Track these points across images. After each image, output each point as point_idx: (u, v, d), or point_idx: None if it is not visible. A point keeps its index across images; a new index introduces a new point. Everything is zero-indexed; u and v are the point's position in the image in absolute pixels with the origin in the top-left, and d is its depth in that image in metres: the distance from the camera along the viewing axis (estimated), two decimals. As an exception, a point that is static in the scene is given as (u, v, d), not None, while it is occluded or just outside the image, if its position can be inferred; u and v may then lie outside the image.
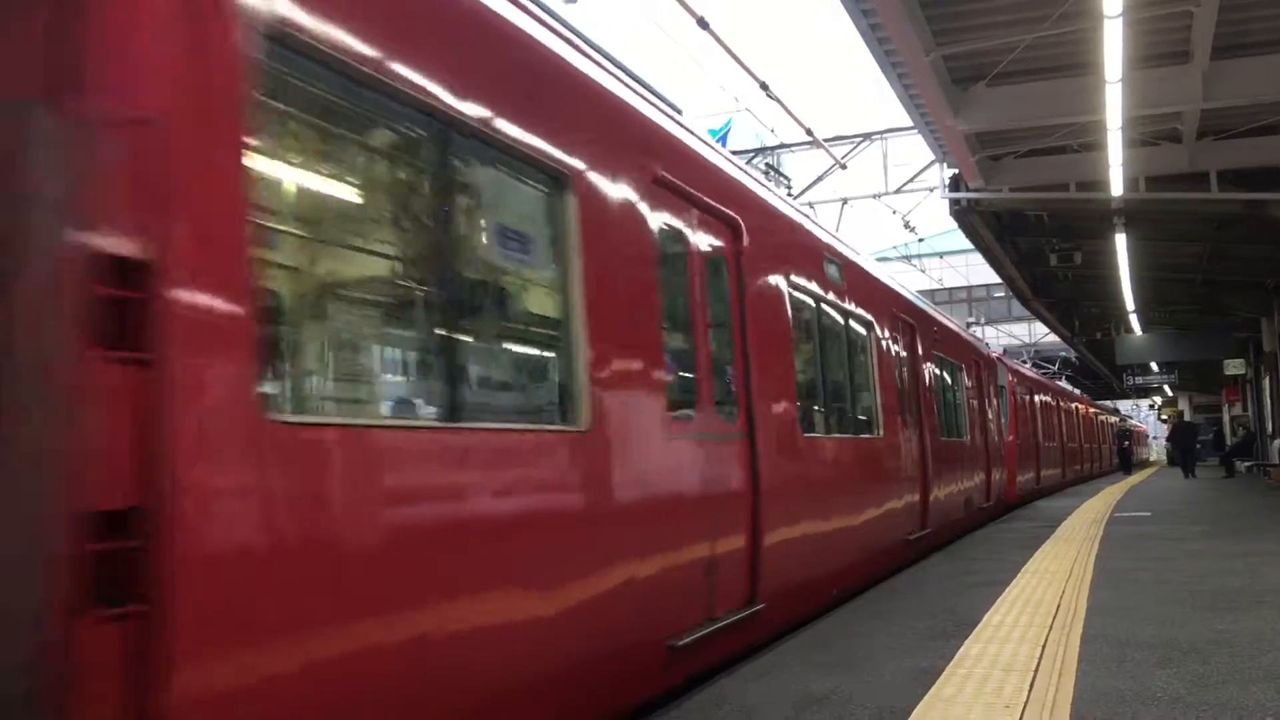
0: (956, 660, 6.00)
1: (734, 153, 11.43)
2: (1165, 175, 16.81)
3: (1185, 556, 10.82)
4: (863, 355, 10.54)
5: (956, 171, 17.73)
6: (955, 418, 15.39)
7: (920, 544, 12.08)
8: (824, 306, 9.23)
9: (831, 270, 9.49)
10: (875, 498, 10.26)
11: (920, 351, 13.03)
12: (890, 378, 11.16)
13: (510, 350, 4.92)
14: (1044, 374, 39.26)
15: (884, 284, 12.03)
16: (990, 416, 18.66)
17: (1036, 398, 27.19)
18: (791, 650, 6.55)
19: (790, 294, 8.08)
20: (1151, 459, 72.29)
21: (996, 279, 30.17)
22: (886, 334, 11.29)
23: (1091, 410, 44.56)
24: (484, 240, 4.63)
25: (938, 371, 14.35)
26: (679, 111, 6.95)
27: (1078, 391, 45.22)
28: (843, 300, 9.72)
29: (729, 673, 6.00)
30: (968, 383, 16.69)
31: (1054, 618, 7.28)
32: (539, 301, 5.06)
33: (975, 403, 17.22)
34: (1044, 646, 6.27)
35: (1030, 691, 5.18)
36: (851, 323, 10.12)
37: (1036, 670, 5.64)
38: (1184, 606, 7.61)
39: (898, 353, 11.84)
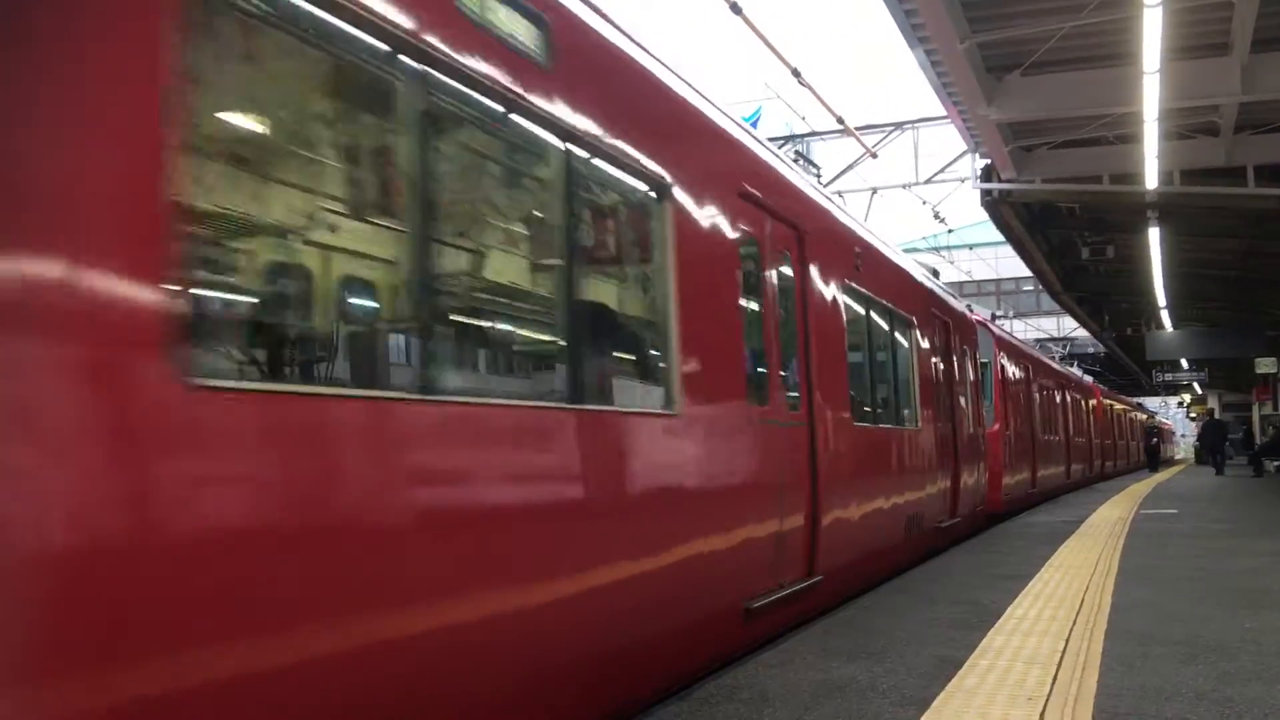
0: (979, 651, 5.96)
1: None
2: (1201, 169, 16.61)
3: (1212, 554, 10.70)
4: (631, 254, 5.83)
5: (988, 162, 17.59)
6: (893, 395, 10.65)
7: (797, 605, 7.18)
8: (469, 122, 4.34)
9: (521, 42, 4.45)
10: (648, 534, 5.23)
11: (815, 279, 8.13)
12: (722, 311, 6.30)
13: None
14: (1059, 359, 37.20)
15: (717, 129, 6.71)
16: (963, 398, 13.95)
17: (1036, 380, 22.32)
18: (810, 638, 6.52)
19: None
20: (1179, 456, 71.59)
21: (1026, 272, 29.93)
22: (719, 230, 6.32)
23: (1108, 401, 38.57)
24: None
25: (858, 319, 9.55)
26: None
27: (1089, 379, 38.57)
28: (554, 107, 4.61)
29: (746, 660, 5.98)
30: (923, 346, 11.84)
31: (1078, 612, 7.22)
32: None
33: (935, 377, 12.35)
34: (1067, 640, 6.22)
35: (1053, 684, 5.13)
36: (602, 174, 5.18)
37: (1060, 664, 5.59)
38: (1210, 604, 7.52)
39: (752, 270, 6.98)
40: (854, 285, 9.26)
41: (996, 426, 16.98)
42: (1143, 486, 27.69)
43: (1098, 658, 5.75)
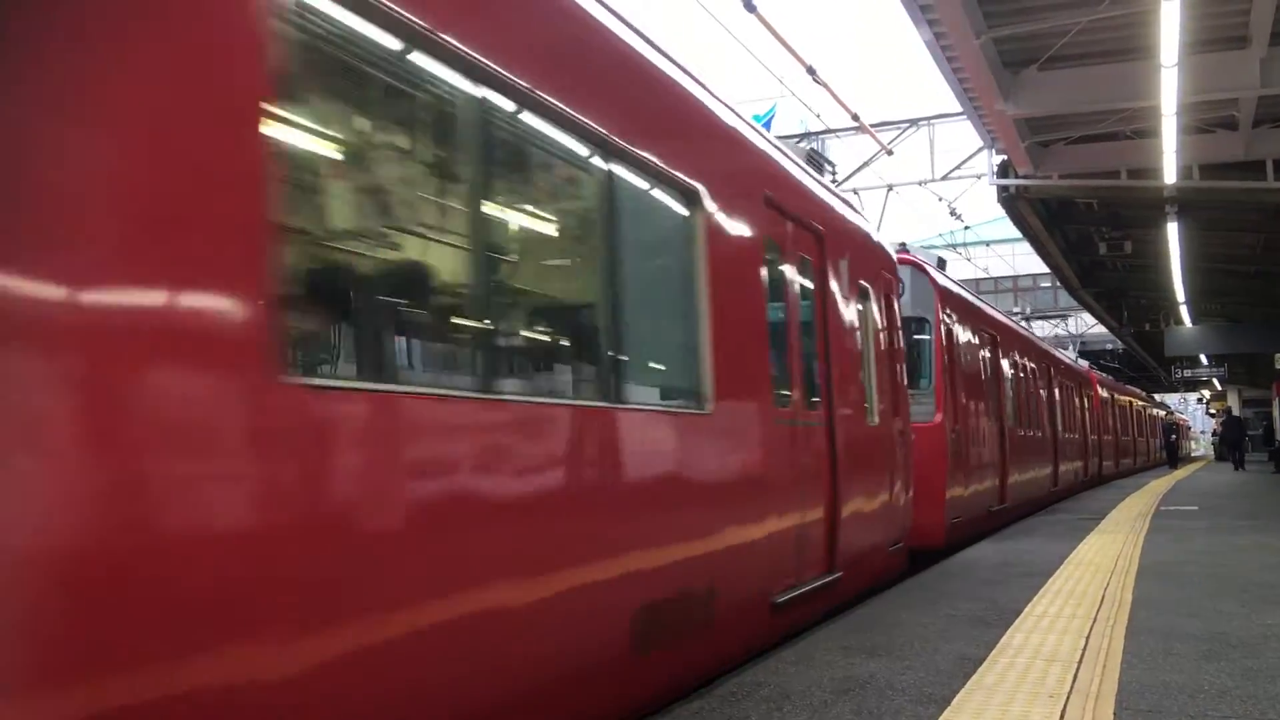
0: (998, 649, 5.94)
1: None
2: (1220, 163, 16.50)
3: (1233, 550, 10.64)
4: None
5: (1005, 158, 17.49)
6: (608, 334, 4.97)
7: None
8: None
9: None
10: None
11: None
12: None
13: None
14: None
15: None
16: (861, 369, 8.59)
17: (1009, 358, 16.83)
18: (830, 636, 6.51)
19: None
20: (1197, 453, 70.92)
21: (1043, 269, 29.78)
22: None
23: (1107, 392, 32.55)
24: None
25: (421, 117, 4.16)
26: None
27: (1085, 364, 32.92)
28: None
29: (766, 657, 5.97)
30: (739, 257, 6.33)
31: (1098, 609, 7.18)
32: None
33: (781, 324, 7.01)
34: (1088, 638, 6.19)
35: (1074, 682, 5.11)
36: None
37: (1080, 661, 5.57)
38: (1232, 600, 7.48)
39: None
40: (418, 27, 3.67)
41: (939, 418, 11.87)
42: (1162, 484, 27.53)
43: (1119, 655, 5.72)
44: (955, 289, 14.06)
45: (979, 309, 15.43)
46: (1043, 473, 19.28)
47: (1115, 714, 4.55)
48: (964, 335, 13.64)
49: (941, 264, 14.09)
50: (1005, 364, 16.46)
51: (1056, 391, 21.84)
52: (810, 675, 5.40)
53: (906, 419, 9.95)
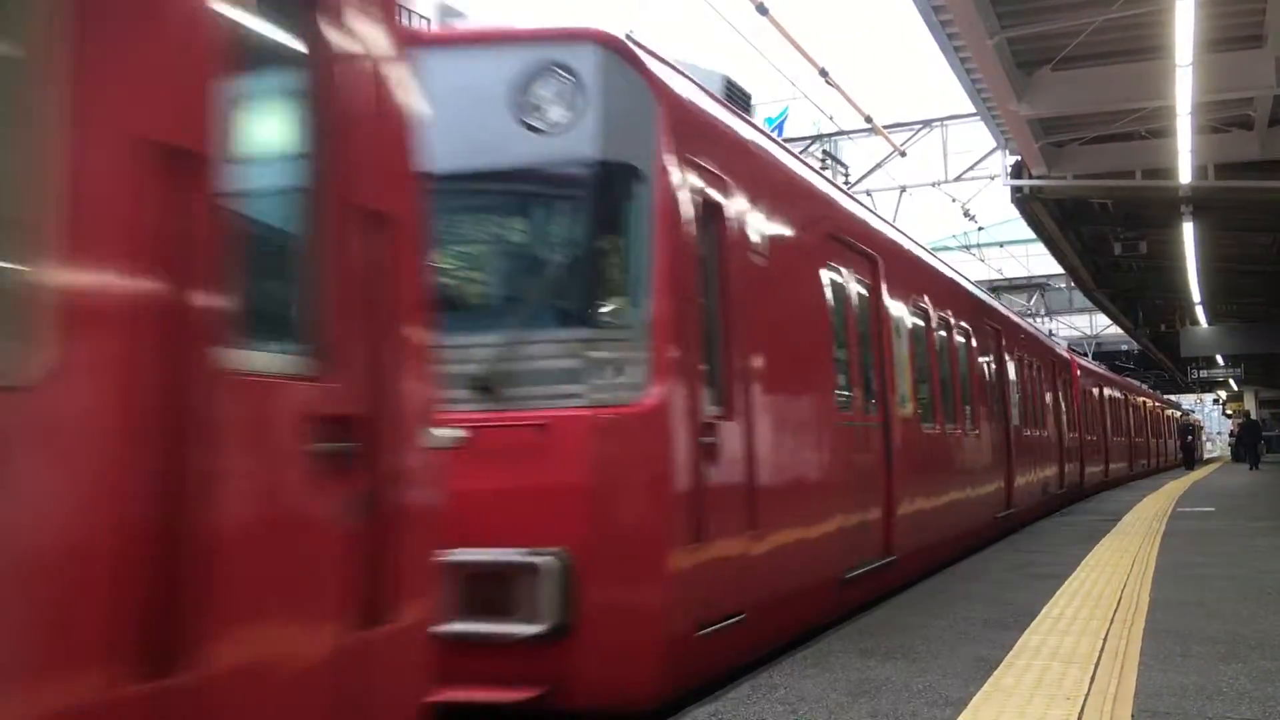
0: (1015, 651, 5.92)
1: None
2: (1235, 163, 16.42)
3: (1251, 551, 10.58)
4: None
5: (1018, 158, 17.44)
6: None
7: None
8: None
9: None
10: None
11: None
12: None
13: None
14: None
15: None
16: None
17: (905, 300, 9.55)
18: (845, 638, 6.50)
19: None
20: (1211, 454, 70.35)
21: (1058, 269, 29.66)
22: None
23: (1095, 382, 25.88)
24: None
25: None
26: None
27: (1063, 345, 26.20)
28: None
29: (780, 660, 5.97)
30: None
31: (1115, 611, 7.16)
32: None
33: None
34: (1105, 639, 6.17)
35: (1091, 684, 5.09)
36: None
37: (1098, 663, 5.55)
38: (1250, 602, 7.44)
39: None
40: None
41: (656, 395, 4.90)
42: (1178, 485, 27.41)
43: (1136, 657, 5.70)
44: (734, 124, 6.59)
45: (819, 191, 8.34)
46: (981, 491, 12.30)
47: (1133, 716, 4.54)
48: (767, 226, 6.50)
49: (736, 97, 7.02)
50: (900, 310, 9.47)
51: (1014, 371, 15.18)
52: (826, 678, 5.39)
53: (397, 387, 2.94)
